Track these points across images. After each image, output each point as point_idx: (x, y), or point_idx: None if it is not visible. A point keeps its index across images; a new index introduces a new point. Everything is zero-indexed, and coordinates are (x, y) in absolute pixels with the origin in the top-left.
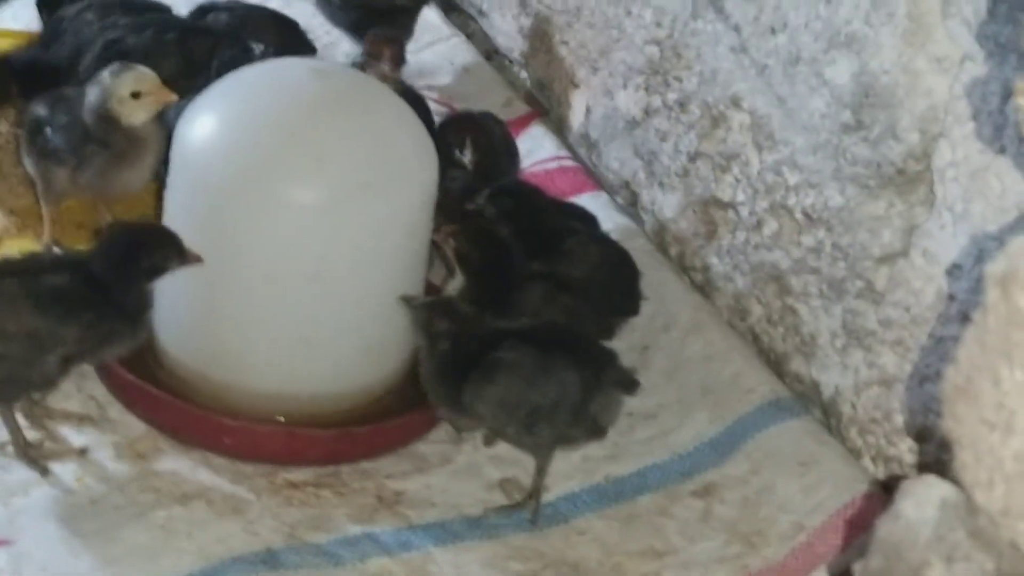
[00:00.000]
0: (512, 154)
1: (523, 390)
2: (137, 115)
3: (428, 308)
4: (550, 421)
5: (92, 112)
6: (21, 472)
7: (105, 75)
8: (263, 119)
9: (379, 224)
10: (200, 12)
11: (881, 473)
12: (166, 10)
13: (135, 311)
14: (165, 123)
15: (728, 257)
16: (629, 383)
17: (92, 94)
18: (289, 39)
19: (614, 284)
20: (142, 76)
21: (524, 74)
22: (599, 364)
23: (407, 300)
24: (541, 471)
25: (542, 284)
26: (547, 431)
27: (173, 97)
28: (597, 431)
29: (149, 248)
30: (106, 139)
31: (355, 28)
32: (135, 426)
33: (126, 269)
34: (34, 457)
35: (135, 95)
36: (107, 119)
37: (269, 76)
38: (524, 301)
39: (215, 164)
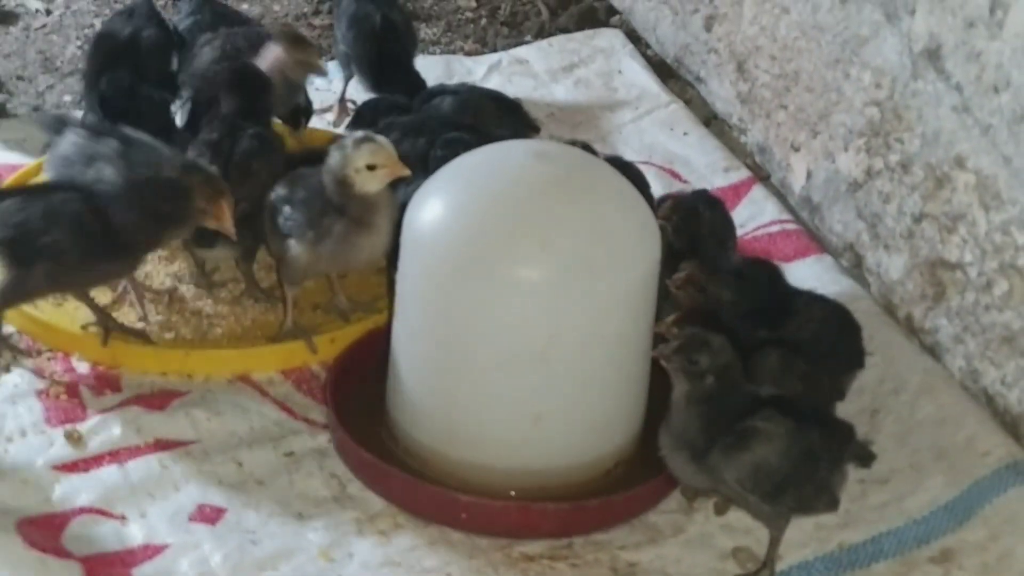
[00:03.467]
0: (722, 240)
1: (776, 460)
2: (370, 185)
3: (682, 350)
4: (795, 492)
5: (330, 174)
6: (271, 546)
7: (348, 142)
8: (489, 202)
9: (604, 301)
10: (428, 96)
11: None
12: None
13: None
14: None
15: (958, 319)
16: (866, 456)
17: (334, 158)
18: (511, 120)
19: (840, 340)
20: (379, 150)
21: (744, 139)
22: (843, 439)
23: (660, 352)
24: (775, 541)
25: (777, 351)
26: (790, 501)
27: (406, 172)
28: (833, 503)
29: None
30: (342, 204)
31: None
32: (375, 503)
33: None
34: None
35: (371, 167)
36: (342, 183)
37: (493, 160)
38: (761, 368)
39: (443, 248)
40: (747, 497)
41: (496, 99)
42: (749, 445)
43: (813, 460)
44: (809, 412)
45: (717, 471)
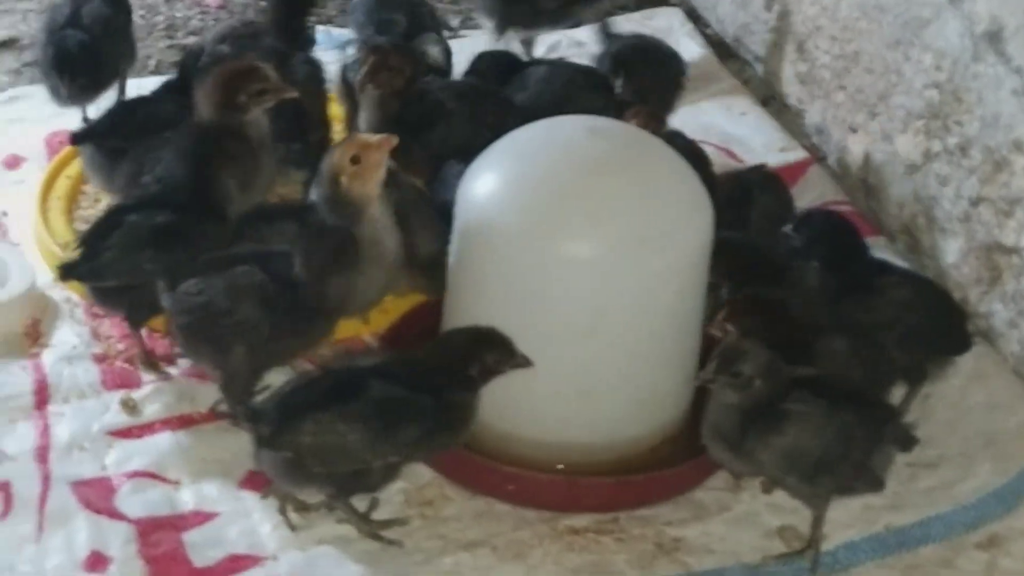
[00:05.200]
0: (780, 219)
1: (810, 442)
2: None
3: (722, 368)
4: (833, 473)
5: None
6: (317, 520)
7: None
8: (541, 178)
9: (654, 278)
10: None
11: None
12: None
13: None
14: (447, 185)
15: (1013, 303)
16: (908, 440)
17: None
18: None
19: (930, 324)
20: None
21: (802, 119)
22: (882, 419)
23: (702, 379)
24: (818, 520)
25: (844, 338)
26: (829, 482)
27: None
28: (877, 483)
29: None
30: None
31: None
32: (423, 474)
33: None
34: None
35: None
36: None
37: (546, 135)
38: (827, 354)
39: (495, 222)
40: (786, 479)
41: (587, 73)
42: (782, 428)
43: (848, 440)
44: (845, 392)
45: (754, 456)
